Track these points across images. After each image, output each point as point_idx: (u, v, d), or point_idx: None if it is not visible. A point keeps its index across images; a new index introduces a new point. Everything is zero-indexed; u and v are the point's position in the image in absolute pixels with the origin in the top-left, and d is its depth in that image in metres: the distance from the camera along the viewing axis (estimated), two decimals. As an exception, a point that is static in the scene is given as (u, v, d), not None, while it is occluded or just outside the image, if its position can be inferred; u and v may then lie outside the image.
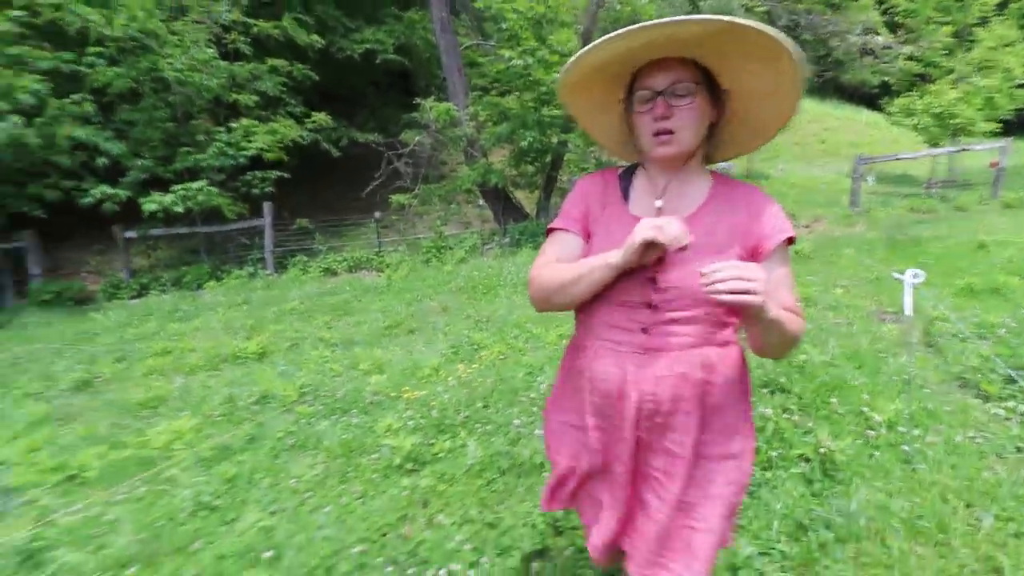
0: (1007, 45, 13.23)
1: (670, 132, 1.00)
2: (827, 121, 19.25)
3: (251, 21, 9.17)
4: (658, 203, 1.07)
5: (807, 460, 2.24)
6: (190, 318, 6.19)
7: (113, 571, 1.90)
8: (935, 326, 3.77)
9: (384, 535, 1.99)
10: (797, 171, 14.62)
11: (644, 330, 1.04)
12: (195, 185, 8.01)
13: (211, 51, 8.60)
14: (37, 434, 3.15)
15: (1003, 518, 1.87)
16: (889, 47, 18.20)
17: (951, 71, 13.91)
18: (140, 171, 8.07)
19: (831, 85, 21.93)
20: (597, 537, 1.13)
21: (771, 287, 0.94)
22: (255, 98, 9.05)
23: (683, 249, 0.94)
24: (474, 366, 3.72)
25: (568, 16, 9.52)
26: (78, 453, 2.81)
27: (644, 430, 1.05)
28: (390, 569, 1.80)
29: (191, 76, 8.27)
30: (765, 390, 2.88)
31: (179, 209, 7.85)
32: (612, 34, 0.93)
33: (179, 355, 4.66)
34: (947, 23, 14.52)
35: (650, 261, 0.99)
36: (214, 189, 8.20)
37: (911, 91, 13.70)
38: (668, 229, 0.93)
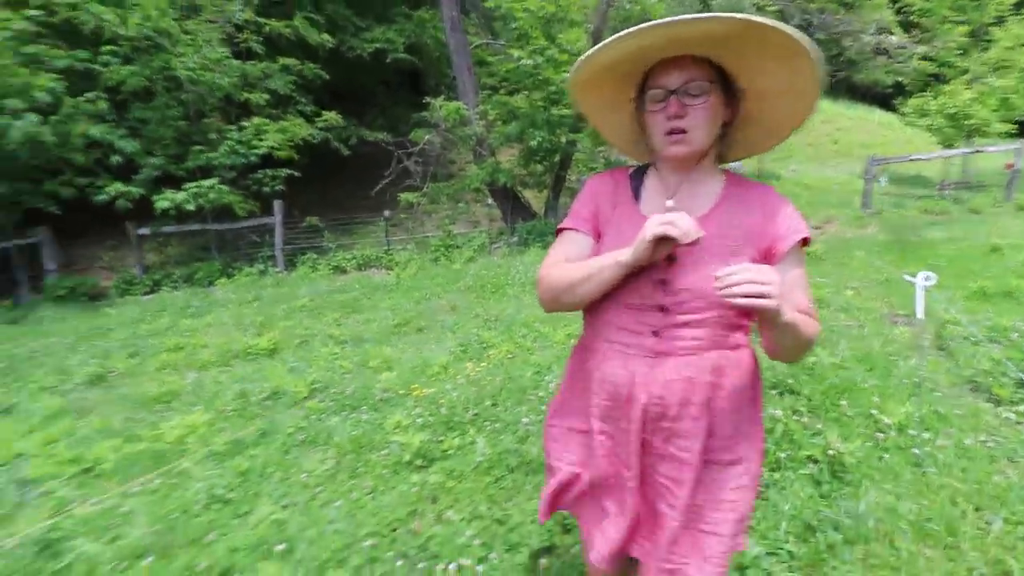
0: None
1: (683, 131, 0.98)
2: (840, 121, 19.08)
3: (263, 20, 9.26)
4: (669, 203, 1.05)
5: (816, 462, 2.24)
6: (202, 314, 6.26)
7: (129, 562, 1.94)
8: (947, 329, 3.74)
9: (394, 530, 2.02)
10: (809, 172, 14.51)
11: (655, 333, 1.02)
12: (207, 183, 8.10)
13: (223, 50, 8.70)
14: (53, 427, 3.21)
15: (1013, 522, 1.86)
16: (903, 47, 18.01)
17: (966, 71, 13.74)
18: (153, 169, 8.18)
19: (844, 85, 21.74)
20: (604, 546, 1.10)
21: (785, 289, 0.93)
22: (266, 97, 9.14)
23: (695, 243, 0.92)
24: (483, 364, 3.74)
25: (578, 15, 9.52)
26: (93, 446, 2.86)
27: (650, 433, 1.04)
28: (400, 563, 1.83)
29: (203, 75, 8.36)
30: (774, 391, 2.88)
31: (191, 207, 7.94)
32: (624, 32, 0.91)
33: (191, 351, 4.72)
34: (963, 22, 14.33)
35: (661, 259, 0.98)
36: (225, 187, 8.29)
37: (925, 91, 13.55)
38: (679, 223, 0.91)
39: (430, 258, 8.62)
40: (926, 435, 2.40)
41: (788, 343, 0.96)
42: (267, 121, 8.97)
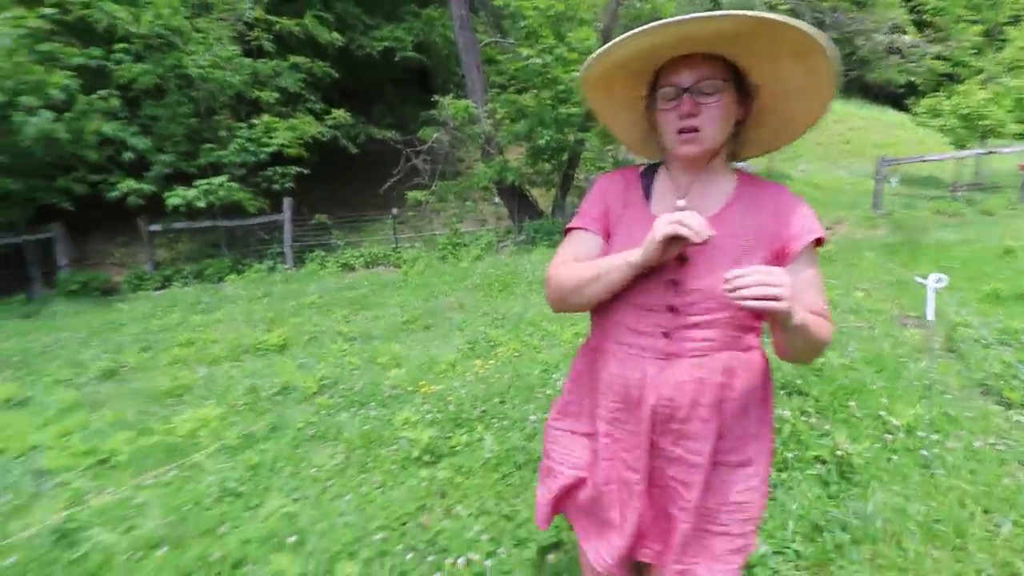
0: (1039, 44, 12.89)
1: (695, 130, 0.97)
2: (851, 121, 18.90)
3: (273, 18, 9.30)
4: (680, 202, 1.03)
5: (823, 462, 2.24)
6: (212, 310, 6.33)
7: (144, 551, 1.98)
8: (958, 332, 3.72)
9: (404, 524, 2.04)
10: (820, 172, 14.39)
11: (665, 334, 1.01)
12: (217, 180, 8.16)
13: (234, 48, 8.75)
14: (68, 420, 3.27)
15: (1022, 524, 1.86)
16: (916, 46, 17.81)
17: (980, 71, 13.58)
18: (164, 166, 8.25)
19: (856, 84, 21.52)
20: (608, 553, 1.08)
21: (798, 290, 0.91)
22: (276, 95, 9.19)
23: (706, 243, 0.90)
24: (490, 362, 3.76)
25: (587, 13, 9.49)
26: (107, 439, 2.91)
27: (659, 435, 1.03)
28: (410, 556, 1.85)
29: (214, 73, 8.42)
30: (783, 392, 2.88)
31: (201, 203, 8.01)
32: (637, 30, 0.90)
33: (202, 346, 4.77)
34: (977, 22, 14.16)
35: (671, 259, 0.97)
36: (235, 184, 8.35)
37: (938, 91, 13.40)
38: (689, 222, 0.89)
39: (438, 256, 8.66)
40: (935, 437, 2.39)
41: (799, 345, 0.94)
42: (277, 119, 9.03)
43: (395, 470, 2.44)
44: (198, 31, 8.55)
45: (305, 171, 9.18)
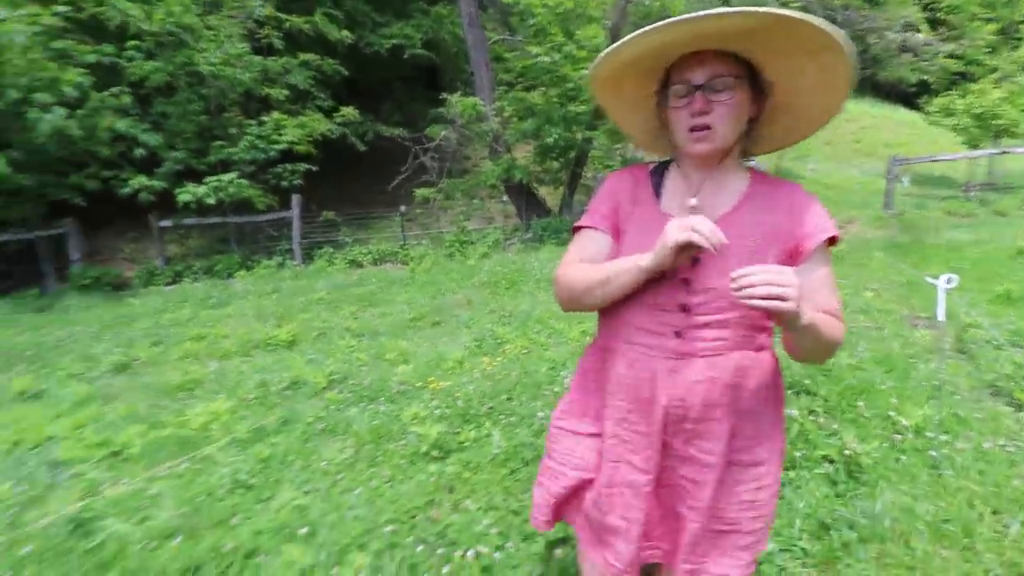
0: (1055, 43, 12.73)
1: (707, 127, 0.95)
2: (863, 120, 18.70)
3: (283, 16, 9.37)
4: (692, 201, 1.02)
5: (831, 461, 2.24)
6: (222, 305, 6.39)
7: (158, 541, 2.01)
8: (968, 333, 3.69)
9: (413, 517, 2.07)
10: (830, 171, 14.28)
11: (677, 334, 0.99)
12: (227, 177, 8.24)
13: (244, 46, 8.81)
14: (82, 412, 3.32)
15: (1032, 526, 1.85)
16: (929, 44, 17.62)
17: (995, 69, 13.42)
18: (175, 162, 8.34)
19: (868, 83, 21.30)
20: (617, 559, 1.06)
21: (810, 289, 0.90)
22: (286, 92, 9.25)
23: (717, 250, 0.89)
24: (498, 359, 3.78)
25: (596, 11, 9.48)
26: (121, 431, 2.95)
27: (671, 435, 1.02)
28: (420, 548, 1.88)
29: (224, 70, 8.49)
30: (791, 391, 2.87)
31: (211, 200, 8.09)
32: (648, 28, 0.88)
33: (213, 341, 4.82)
34: (992, 20, 13.99)
35: (682, 263, 0.95)
36: (245, 181, 8.43)
37: (951, 90, 13.26)
38: (702, 228, 0.88)
39: (445, 253, 8.68)
40: (944, 438, 2.38)
41: (808, 345, 0.93)
42: (286, 116, 9.09)
43: (404, 464, 2.47)
44: (209, 28, 8.62)
45: (314, 168, 9.23)
